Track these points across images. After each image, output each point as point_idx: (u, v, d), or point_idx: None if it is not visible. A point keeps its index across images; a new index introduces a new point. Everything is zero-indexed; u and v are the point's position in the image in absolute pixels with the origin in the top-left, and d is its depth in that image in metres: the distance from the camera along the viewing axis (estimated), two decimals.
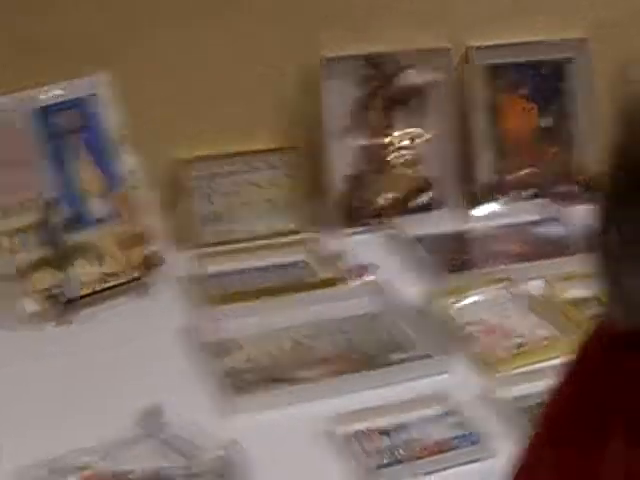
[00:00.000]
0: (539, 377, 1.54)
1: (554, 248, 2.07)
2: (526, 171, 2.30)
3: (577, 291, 1.86)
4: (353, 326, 1.80)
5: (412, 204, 2.23)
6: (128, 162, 1.98)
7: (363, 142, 2.20)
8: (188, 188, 2.12)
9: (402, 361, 1.68)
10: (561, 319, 1.80)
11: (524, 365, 1.68)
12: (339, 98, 2.16)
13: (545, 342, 1.75)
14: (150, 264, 1.97)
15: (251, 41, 2.11)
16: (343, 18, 2.15)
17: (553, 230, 2.17)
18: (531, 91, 2.32)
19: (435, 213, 2.22)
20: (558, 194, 2.31)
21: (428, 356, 1.70)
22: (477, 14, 2.24)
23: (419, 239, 2.11)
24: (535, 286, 1.92)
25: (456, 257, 2.05)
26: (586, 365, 0.96)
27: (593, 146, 2.33)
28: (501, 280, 1.91)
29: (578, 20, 2.31)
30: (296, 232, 2.16)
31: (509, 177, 2.28)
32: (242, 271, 2.01)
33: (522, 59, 2.29)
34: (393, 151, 2.23)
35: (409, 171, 2.24)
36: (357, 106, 2.19)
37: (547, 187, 2.30)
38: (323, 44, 2.13)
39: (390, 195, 2.23)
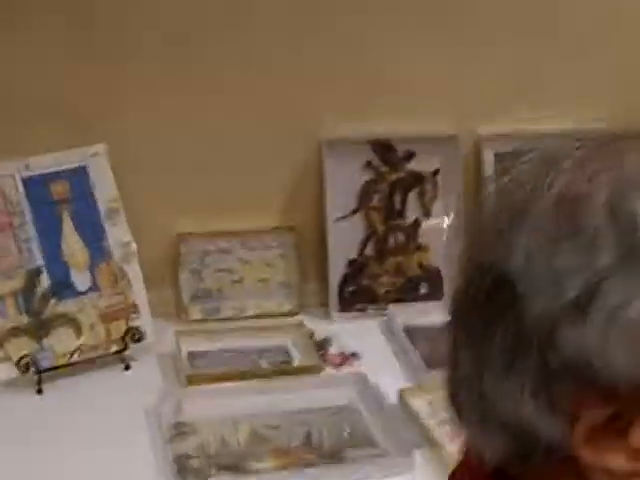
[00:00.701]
0: None
1: None
2: None
3: None
4: (317, 419, 1.74)
5: (414, 292, 2.18)
6: (119, 234, 1.97)
7: (366, 226, 2.17)
8: (179, 263, 2.10)
9: (356, 459, 1.62)
10: None
11: None
12: (342, 181, 2.13)
13: None
14: (131, 339, 1.94)
15: (252, 119, 2.09)
16: (349, 100, 2.12)
17: None
18: None
19: (435, 304, 2.15)
20: None
21: (387, 455, 1.64)
22: (488, 101, 2.18)
23: (410, 330, 2.05)
24: None
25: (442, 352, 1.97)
26: None
27: None
28: None
29: (597, 107, 2.24)
30: (288, 314, 2.12)
31: None
32: (222, 351, 1.97)
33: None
34: (397, 237, 2.18)
35: (412, 259, 2.18)
36: (363, 190, 2.16)
37: None
38: (327, 125, 2.11)
39: (390, 282, 2.17)
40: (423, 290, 2.18)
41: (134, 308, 1.96)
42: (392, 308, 2.11)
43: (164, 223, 2.10)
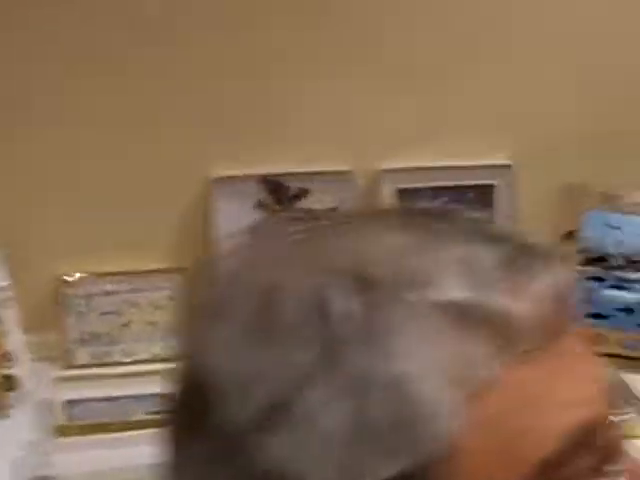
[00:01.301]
0: None
1: None
2: None
3: None
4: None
5: None
6: None
7: None
8: (64, 306, 2.03)
9: None
10: None
11: None
12: (232, 221, 2.06)
13: None
14: (4, 388, 1.86)
15: (138, 156, 2.02)
16: (238, 137, 2.06)
17: None
18: None
19: None
20: None
21: None
22: (387, 135, 2.13)
23: None
24: None
25: None
26: None
27: None
28: None
29: (502, 143, 2.20)
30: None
31: None
32: (104, 399, 1.90)
33: (439, 183, 2.18)
34: None
35: None
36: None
37: None
38: (216, 162, 2.05)
39: None
40: None
41: (9, 356, 1.88)
42: None
43: (48, 264, 2.02)
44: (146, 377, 1.95)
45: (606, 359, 1.95)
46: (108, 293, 2.05)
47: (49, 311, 2.03)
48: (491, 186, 2.19)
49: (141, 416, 1.86)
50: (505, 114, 2.16)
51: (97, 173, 2.01)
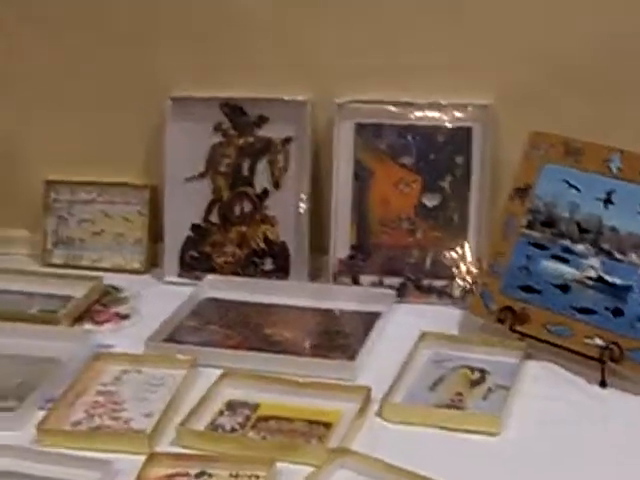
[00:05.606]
0: None
1: None
2: (393, 254, 1.96)
3: None
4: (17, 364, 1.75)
5: (255, 267, 2.03)
6: None
7: (212, 192, 2.06)
8: (47, 210, 2.17)
9: None
10: None
11: None
12: (188, 142, 2.04)
13: None
14: None
15: (115, 81, 2.09)
16: (202, 60, 2.03)
17: None
18: (416, 161, 1.97)
19: (272, 283, 2.00)
20: (422, 288, 1.94)
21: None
22: (353, 66, 1.95)
23: (219, 303, 1.95)
24: None
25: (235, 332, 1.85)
26: None
27: (484, 236, 1.91)
28: None
29: (482, 83, 1.90)
30: (134, 271, 2.11)
31: (366, 257, 1.98)
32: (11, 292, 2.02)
33: (407, 122, 1.96)
34: (242, 206, 2.05)
35: (257, 230, 2.04)
36: (212, 153, 2.05)
37: (412, 278, 1.94)
38: (179, 84, 2.04)
39: (232, 252, 2.05)
40: (267, 266, 2.03)
41: None
42: (207, 279, 2.01)
43: (38, 171, 2.17)
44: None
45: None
46: (86, 202, 2.16)
47: (35, 213, 2.19)
48: (467, 129, 1.92)
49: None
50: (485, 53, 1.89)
51: (77, 93, 2.12)
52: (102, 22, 2.07)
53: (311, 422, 1.56)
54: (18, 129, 2.17)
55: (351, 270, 1.98)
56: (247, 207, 2.05)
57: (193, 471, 1.45)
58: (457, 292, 1.93)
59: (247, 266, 2.04)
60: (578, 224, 1.74)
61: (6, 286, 2.04)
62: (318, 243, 2.01)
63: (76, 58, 2.10)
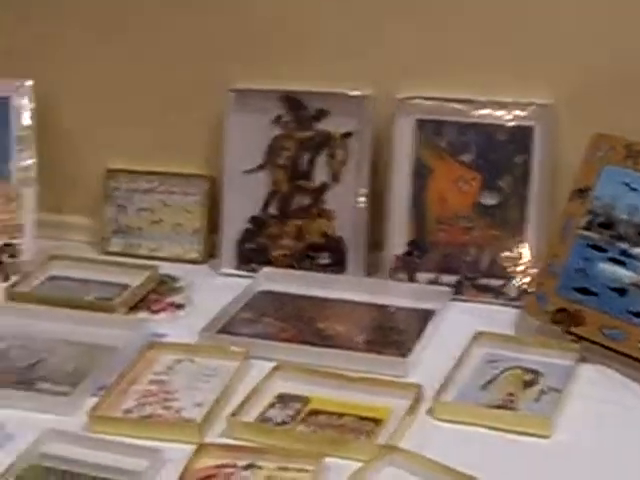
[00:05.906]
0: None
1: None
2: (449, 251, 1.95)
3: None
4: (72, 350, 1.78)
5: (311, 260, 2.03)
6: (23, 159, 2.12)
7: (271, 184, 2.06)
8: (107, 198, 2.19)
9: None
10: None
11: None
12: (248, 134, 2.05)
13: None
14: (9, 253, 2.09)
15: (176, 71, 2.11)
16: (261, 53, 2.04)
17: None
18: (475, 159, 1.95)
19: (329, 277, 2.00)
20: (478, 286, 1.92)
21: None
22: (415, 62, 1.95)
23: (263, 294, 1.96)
24: None
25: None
26: None
27: (542, 237, 1.90)
28: None
29: (544, 83, 1.88)
30: (192, 262, 2.12)
31: (422, 254, 1.97)
32: (74, 280, 2.04)
33: (468, 119, 1.94)
34: (301, 199, 2.05)
35: (314, 224, 2.03)
36: (270, 146, 2.05)
37: (468, 276, 1.93)
38: (239, 77, 2.05)
39: (289, 245, 2.05)
40: (323, 260, 2.03)
41: (18, 228, 2.11)
42: (263, 272, 2.01)
43: (99, 160, 2.20)
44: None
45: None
46: (145, 191, 2.18)
47: (95, 201, 2.22)
48: (529, 128, 1.91)
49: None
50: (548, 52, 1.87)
51: (141, 85, 2.15)
52: (165, 16, 2.09)
53: (361, 418, 1.56)
54: (83, 119, 2.19)
55: (407, 267, 1.98)
56: (305, 200, 2.06)
57: (241, 463, 1.46)
58: (513, 292, 1.92)
59: (303, 260, 2.05)
60: (637, 227, 1.72)
61: (64, 272, 2.07)
62: (375, 239, 2.01)
63: (140, 51, 2.13)
